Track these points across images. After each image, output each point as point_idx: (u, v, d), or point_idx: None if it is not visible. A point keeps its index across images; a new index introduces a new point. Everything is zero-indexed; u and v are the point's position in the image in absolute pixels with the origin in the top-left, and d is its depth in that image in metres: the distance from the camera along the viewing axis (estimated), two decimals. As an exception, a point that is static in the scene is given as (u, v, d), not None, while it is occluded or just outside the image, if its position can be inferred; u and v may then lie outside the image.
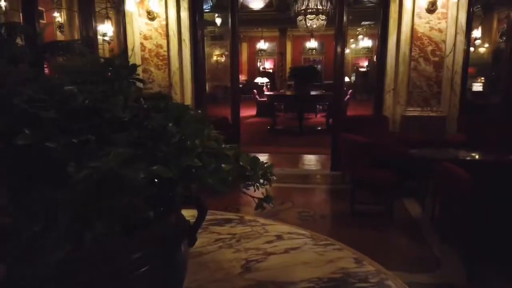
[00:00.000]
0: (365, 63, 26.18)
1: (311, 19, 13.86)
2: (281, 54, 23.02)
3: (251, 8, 21.81)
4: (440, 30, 5.32)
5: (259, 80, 15.80)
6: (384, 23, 5.62)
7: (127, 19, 5.85)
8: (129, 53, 5.95)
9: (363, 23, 20.72)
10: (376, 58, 5.90)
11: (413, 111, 5.52)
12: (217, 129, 0.74)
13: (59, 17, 8.51)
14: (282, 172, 6.01)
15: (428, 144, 4.77)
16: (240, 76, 26.14)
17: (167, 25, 5.73)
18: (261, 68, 26.37)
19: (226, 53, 23.36)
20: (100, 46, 8.51)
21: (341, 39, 5.75)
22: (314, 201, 4.71)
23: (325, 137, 8.82)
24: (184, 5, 5.81)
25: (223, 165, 0.67)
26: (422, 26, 5.34)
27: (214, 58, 23.27)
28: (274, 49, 25.31)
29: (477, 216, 2.93)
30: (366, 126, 5.36)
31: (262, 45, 22.81)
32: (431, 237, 3.73)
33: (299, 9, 14.86)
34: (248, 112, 14.46)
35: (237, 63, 6.20)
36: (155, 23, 5.73)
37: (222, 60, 23.33)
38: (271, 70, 26.59)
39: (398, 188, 4.64)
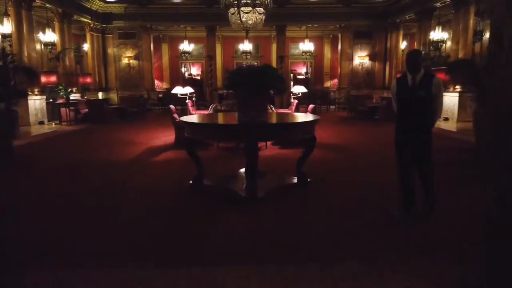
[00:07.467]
0: (303, 70, 22.35)
1: (246, 12, 9.84)
2: (210, 57, 18.19)
3: (171, 0, 16.47)
4: None
5: (179, 90, 10.36)
6: None
7: None
8: None
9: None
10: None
11: None
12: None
13: None
14: None
15: None
16: (159, 84, 20.49)
17: None
18: (186, 75, 21.30)
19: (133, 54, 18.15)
20: None
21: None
22: None
23: (308, 211, 3.52)
24: None
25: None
26: None
27: (125, 61, 17.86)
28: (201, 51, 20.42)
29: None
30: None
31: (186, 46, 17.76)
32: None
33: (231, -1, 10.25)
34: (164, 138, 9.18)
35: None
36: None
37: (136, 64, 17.97)
38: (198, 77, 21.64)
39: None
